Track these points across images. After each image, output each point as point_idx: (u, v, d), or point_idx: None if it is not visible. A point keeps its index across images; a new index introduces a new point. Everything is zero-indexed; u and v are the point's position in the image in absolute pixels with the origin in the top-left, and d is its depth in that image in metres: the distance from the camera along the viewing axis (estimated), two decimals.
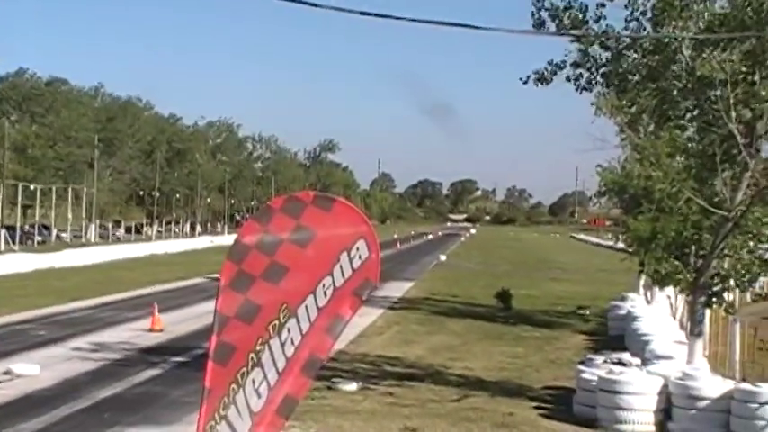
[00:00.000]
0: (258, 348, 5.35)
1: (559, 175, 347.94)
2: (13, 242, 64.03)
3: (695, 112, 15.20)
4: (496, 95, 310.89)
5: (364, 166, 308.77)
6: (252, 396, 5.35)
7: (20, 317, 25.62)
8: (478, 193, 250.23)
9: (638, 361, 15.42)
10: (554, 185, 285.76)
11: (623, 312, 24.77)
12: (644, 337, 18.16)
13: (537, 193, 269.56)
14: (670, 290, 20.91)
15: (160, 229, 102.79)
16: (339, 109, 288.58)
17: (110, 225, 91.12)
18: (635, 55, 15.40)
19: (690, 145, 15.45)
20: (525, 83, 15.43)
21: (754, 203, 14.51)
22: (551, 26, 14.94)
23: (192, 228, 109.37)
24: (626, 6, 14.73)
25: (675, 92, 15.02)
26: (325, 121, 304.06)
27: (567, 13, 14.90)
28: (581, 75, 15.49)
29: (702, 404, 13.19)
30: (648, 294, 26.05)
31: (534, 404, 15.57)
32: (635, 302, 25.59)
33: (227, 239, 65.25)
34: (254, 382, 5.36)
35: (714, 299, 15.45)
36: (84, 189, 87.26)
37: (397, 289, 37.61)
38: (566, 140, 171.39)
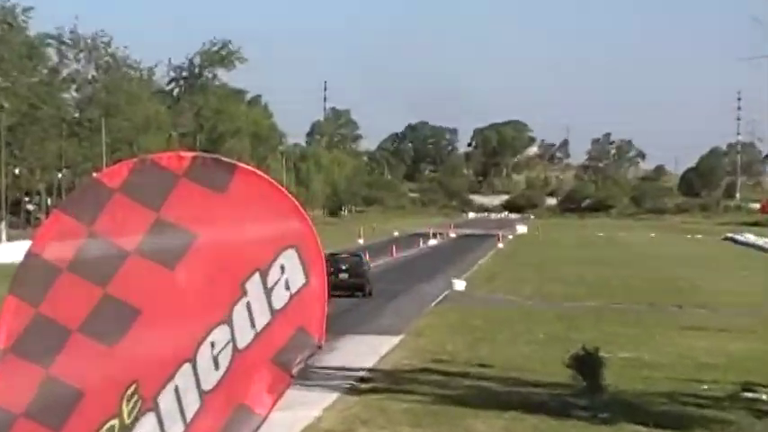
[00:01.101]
0: None
1: (700, 112, 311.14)
2: None
3: None
4: None
5: (296, 97, 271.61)
6: None
7: None
8: (534, 150, 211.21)
9: None
10: (690, 134, 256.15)
11: None
12: None
13: (655, 149, 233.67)
14: None
15: None
16: None
17: None
18: None
19: None
20: None
21: None
22: None
23: None
24: None
25: None
26: (215, 12, 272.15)
27: None
28: None
29: None
30: None
31: None
32: None
33: (11, 252, 54.66)
34: None
35: None
36: None
37: (366, 351, 32.98)
38: (712, 43, 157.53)
